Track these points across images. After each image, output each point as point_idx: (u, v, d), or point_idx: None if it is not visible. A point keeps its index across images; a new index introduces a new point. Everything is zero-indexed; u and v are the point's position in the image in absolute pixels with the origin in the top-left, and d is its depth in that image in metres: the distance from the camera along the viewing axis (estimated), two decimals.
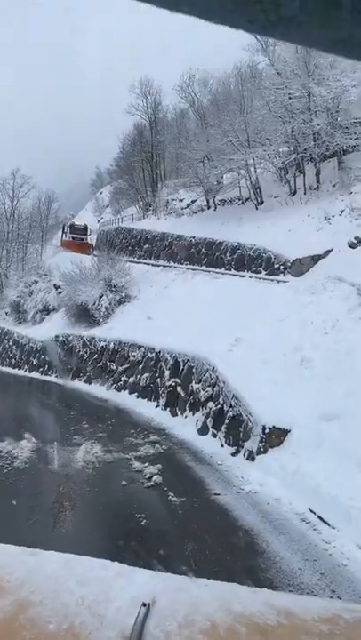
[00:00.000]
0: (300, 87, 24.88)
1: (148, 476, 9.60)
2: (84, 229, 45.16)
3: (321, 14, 0.59)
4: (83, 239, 42.97)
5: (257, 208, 28.90)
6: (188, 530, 7.47)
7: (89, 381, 20.50)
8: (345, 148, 25.10)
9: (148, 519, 7.83)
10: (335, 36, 0.61)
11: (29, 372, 25.85)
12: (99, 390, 18.95)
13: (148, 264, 28.46)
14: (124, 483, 9.38)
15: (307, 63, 24.26)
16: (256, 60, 31.04)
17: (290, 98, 25.73)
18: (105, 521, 8.13)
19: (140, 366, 17.17)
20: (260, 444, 9.77)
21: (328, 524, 7.03)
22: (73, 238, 42.75)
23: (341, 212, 21.95)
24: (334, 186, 24.66)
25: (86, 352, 21.98)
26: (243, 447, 10.39)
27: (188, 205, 38.52)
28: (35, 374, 25.18)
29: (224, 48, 35.20)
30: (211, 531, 7.42)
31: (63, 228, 48.94)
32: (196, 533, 7.31)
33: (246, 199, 31.04)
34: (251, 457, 9.94)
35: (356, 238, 20.51)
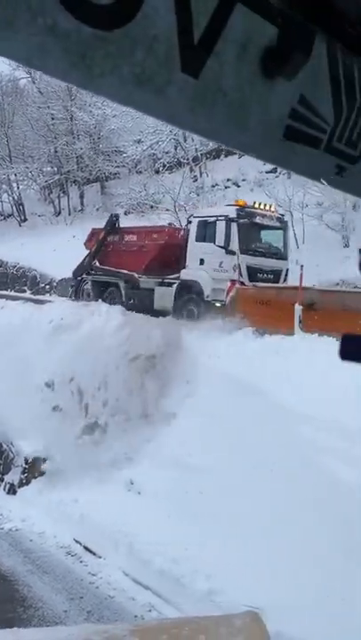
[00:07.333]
0: (63, 109, 25.07)
1: None
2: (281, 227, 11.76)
3: None
4: (280, 273, 11.21)
5: (20, 225, 28.03)
6: None
7: None
8: (107, 174, 26.09)
9: None
10: None
11: None
12: None
13: None
14: None
15: (69, 86, 24.51)
16: (17, 75, 30.11)
17: (53, 118, 25.74)
18: None
19: None
20: (22, 476, 9.07)
21: (94, 554, 6.73)
22: (254, 274, 10.65)
23: None
24: (98, 209, 25.36)
25: None
26: (3, 481, 9.53)
27: None
28: None
29: None
30: None
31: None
32: None
33: (9, 215, 29.80)
34: (12, 490, 9.13)
35: None
